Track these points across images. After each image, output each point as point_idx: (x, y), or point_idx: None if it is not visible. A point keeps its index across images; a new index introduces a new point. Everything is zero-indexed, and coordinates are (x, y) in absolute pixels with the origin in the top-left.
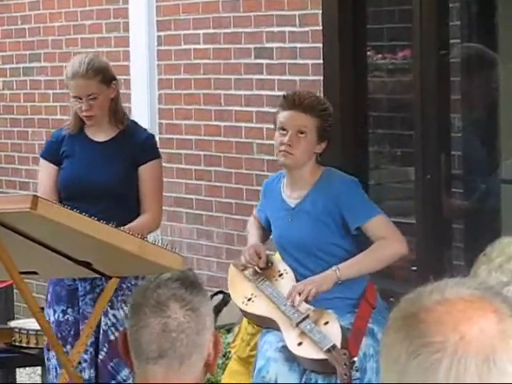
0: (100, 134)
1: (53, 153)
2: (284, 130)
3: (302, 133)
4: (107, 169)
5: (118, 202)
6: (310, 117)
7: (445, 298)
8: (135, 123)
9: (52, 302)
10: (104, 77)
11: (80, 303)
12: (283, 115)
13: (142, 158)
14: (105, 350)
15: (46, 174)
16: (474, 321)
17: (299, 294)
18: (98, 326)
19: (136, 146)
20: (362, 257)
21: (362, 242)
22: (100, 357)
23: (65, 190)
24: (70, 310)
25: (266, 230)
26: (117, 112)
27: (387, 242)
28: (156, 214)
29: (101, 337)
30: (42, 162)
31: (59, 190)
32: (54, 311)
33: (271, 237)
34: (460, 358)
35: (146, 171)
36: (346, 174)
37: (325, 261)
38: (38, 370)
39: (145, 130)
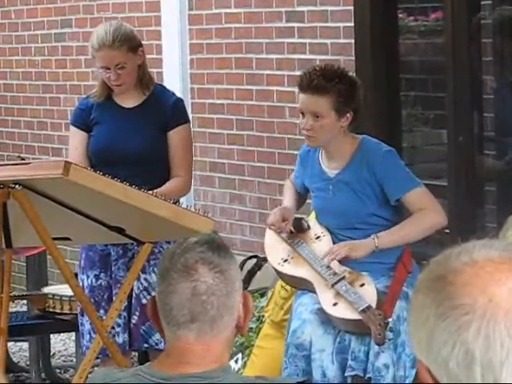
0: (128, 101)
1: (83, 120)
2: (302, 113)
3: (317, 116)
4: (136, 135)
5: (149, 167)
6: (321, 97)
7: (473, 260)
8: (163, 87)
9: (85, 267)
10: (130, 45)
11: (113, 268)
12: (300, 98)
13: (170, 122)
14: (137, 313)
15: (76, 141)
16: (502, 282)
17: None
18: (131, 290)
19: (164, 110)
20: (400, 227)
21: (403, 210)
22: (133, 321)
23: (95, 156)
24: (102, 275)
25: (301, 196)
26: (144, 77)
27: (426, 213)
28: (186, 179)
29: (133, 301)
30: (72, 129)
31: (89, 157)
32: (87, 276)
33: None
34: (489, 320)
35: (175, 136)
36: (383, 144)
37: (365, 231)
38: (73, 335)
39: (173, 94)
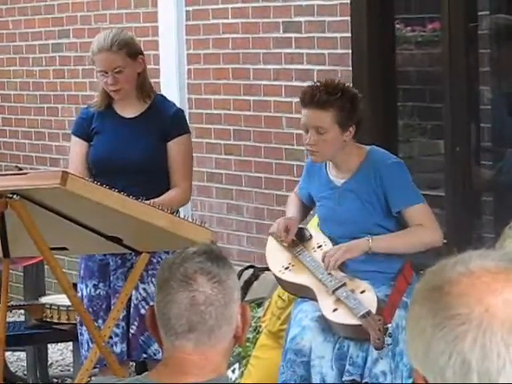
0: (128, 110)
1: (83, 129)
2: (306, 128)
3: (320, 132)
4: (136, 145)
5: (149, 177)
6: (324, 112)
7: (469, 270)
8: (163, 97)
9: (84, 276)
10: (129, 50)
11: (111, 278)
12: (303, 114)
13: (170, 132)
14: (136, 323)
15: (76, 150)
16: (498, 292)
17: (331, 261)
18: (130, 300)
19: (165, 120)
20: (396, 235)
21: (402, 223)
22: (131, 331)
23: (95, 166)
24: (101, 285)
25: (306, 207)
26: (144, 87)
27: (424, 230)
28: (185, 189)
29: (132, 311)
30: (73, 138)
31: (90, 167)
32: (86, 286)
33: (311, 213)
34: (485, 330)
35: (174, 146)
36: (391, 155)
37: None
38: (70, 345)
39: (174, 104)
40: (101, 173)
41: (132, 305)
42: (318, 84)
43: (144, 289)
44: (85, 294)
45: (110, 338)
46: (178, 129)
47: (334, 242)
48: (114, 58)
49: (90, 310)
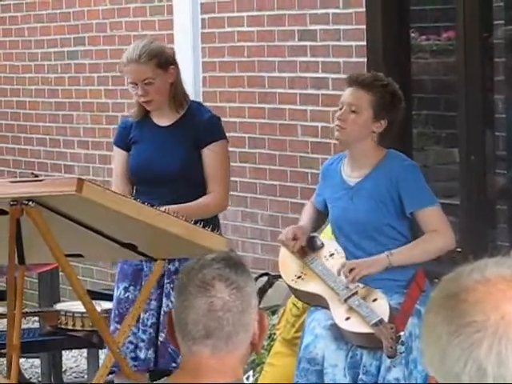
0: (163, 119)
1: (123, 139)
2: (342, 106)
3: (354, 111)
4: (171, 153)
5: (186, 185)
6: (365, 93)
7: (485, 278)
8: (199, 104)
9: (118, 279)
10: (159, 61)
11: (143, 283)
12: (344, 93)
13: (203, 140)
14: (165, 331)
15: (117, 160)
16: None
17: (350, 271)
18: (160, 307)
19: (198, 127)
20: (413, 246)
21: (415, 227)
22: (160, 338)
23: (134, 175)
24: (131, 288)
25: (321, 215)
26: (176, 96)
27: (438, 236)
28: (219, 195)
29: (161, 318)
30: (115, 149)
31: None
32: (118, 288)
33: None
34: (501, 337)
35: (207, 153)
36: (407, 158)
37: (379, 242)
38: (84, 352)
39: (208, 111)
40: (140, 182)
41: (162, 312)
42: (370, 72)
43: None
44: (115, 295)
45: (130, 343)
46: (212, 135)
47: (348, 251)
48: (143, 69)
49: (117, 312)
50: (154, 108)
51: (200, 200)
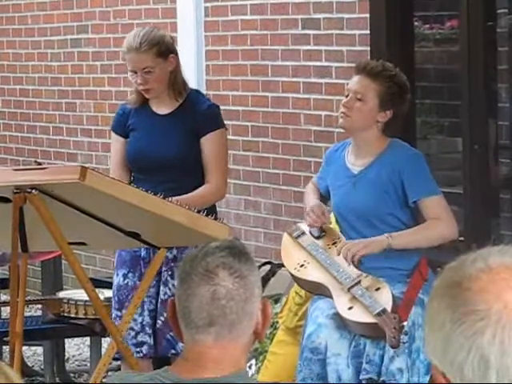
0: (162, 107)
1: (121, 126)
2: (348, 93)
3: (360, 99)
4: (168, 142)
5: (184, 173)
6: (371, 81)
7: (488, 267)
8: (198, 93)
9: (117, 265)
10: (159, 49)
11: (142, 270)
12: (351, 80)
13: (202, 129)
14: (162, 318)
15: (115, 147)
16: None
17: (349, 254)
18: (157, 295)
19: (197, 117)
20: (414, 231)
21: (418, 217)
22: (157, 325)
23: (131, 162)
24: (130, 275)
25: (323, 198)
26: (175, 85)
27: (441, 224)
28: (217, 185)
29: (159, 305)
30: (113, 135)
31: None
32: (117, 275)
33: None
34: (504, 326)
35: (206, 142)
36: (412, 148)
37: (381, 230)
38: (87, 340)
39: (208, 99)
40: (137, 169)
41: (159, 300)
42: (378, 61)
43: (174, 285)
44: (115, 282)
45: (138, 331)
46: (211, 125)
47: (350, 238)
48: (143, 58)
49: (116, 299)
50: (153, 96)
51: (196, 191)
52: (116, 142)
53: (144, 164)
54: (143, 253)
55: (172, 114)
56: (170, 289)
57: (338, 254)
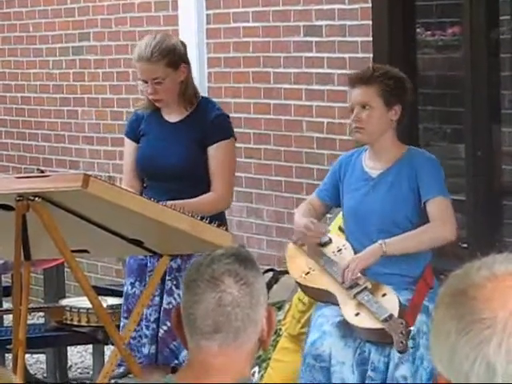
0: (172, 115)
1: (133, 131)
2: (352, 108)
3: (365, 106)
4: (175, 150)
5: (191, 181)
6: (368, 87)
7: (493, 274)
8: (208, 101)
9: (127, 274)
10: (170, 60)
11: (147, 279)
12: (349, 95)
13: (209, 138)
14: (165, 328)
15: (128, 150)
16: None
17: (349, 274)
18: (160, 303)
19: (205, 126)
20: (409, 235)
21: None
22: (159, 334)
23: (140, 168)
24: (137, 284)
25: (319, 214)
26: (185, 95)
27: (438, 226)
28: (221, 194)
29: (162, 314)
30: (125, 140)
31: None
32: (125, 283)
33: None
34: (510, 334)
35: (213, 152)
36: (428, 153)
37: (391, 233)
38: (89, 348)
39: (217, 108)
40: (146, 175)
41: (163, 308)
42: (366, 67)
43: (179, 294)
44: (124, 291)
45: (140, 338)
46: (218, 134)
47: (360, 243)
48: (154, 68)
49: (125, 307)
50: (163, 105)
51: (201, 197)
52: (128, 147)
53: (151, 171)
54: (149, 262)
55: (181, 122)
56: (175, 298)
57: (342, 276)
